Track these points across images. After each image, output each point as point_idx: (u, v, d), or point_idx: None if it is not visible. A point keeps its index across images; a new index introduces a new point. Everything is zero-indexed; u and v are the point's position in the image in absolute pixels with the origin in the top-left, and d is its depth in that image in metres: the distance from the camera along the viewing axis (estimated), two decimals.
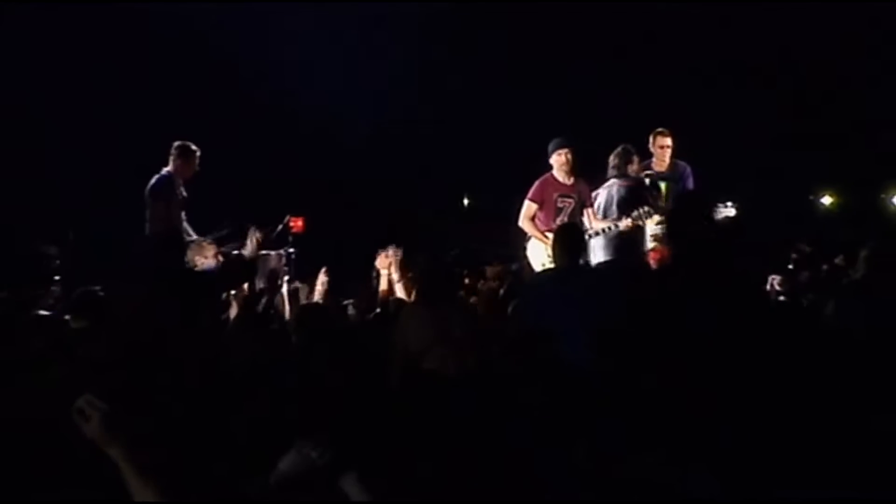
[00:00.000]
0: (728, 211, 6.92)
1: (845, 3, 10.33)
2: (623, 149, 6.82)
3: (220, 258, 6.28)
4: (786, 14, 10.52)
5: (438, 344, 3.72)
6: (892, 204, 12.75)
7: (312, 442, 2.26)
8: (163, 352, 3.46)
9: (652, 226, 6.67)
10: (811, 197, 13.21)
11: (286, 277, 7.02)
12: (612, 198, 6.70)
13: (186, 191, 6.83)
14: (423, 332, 3.88)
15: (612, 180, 6.74)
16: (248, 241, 5.83)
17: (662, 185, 7.15)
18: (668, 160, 7.14)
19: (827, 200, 13.15)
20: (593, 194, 6.76)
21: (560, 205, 6.65)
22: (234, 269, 5.64)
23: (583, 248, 4.94)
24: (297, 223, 8.09)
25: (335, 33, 10.82)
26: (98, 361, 3.33)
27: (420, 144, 11.76)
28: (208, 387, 3.19)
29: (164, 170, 6.70)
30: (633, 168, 6.79)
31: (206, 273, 5.89)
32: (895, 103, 10.78)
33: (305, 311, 4.90)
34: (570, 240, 4.70)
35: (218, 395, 3.09)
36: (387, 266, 5.64)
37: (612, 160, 6.82)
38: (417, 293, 4.88)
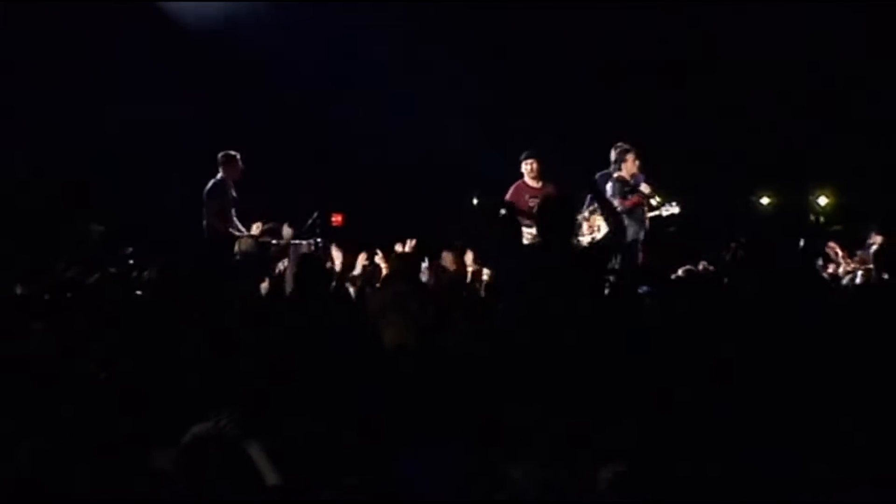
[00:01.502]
0: (673, 209, 7.56)
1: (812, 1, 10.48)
2: (620, 148, 7.28)
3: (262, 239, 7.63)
4: (724, 13, 10.67)
5: (393, 316, 3.96)
6: (818, 204, 13.32)
7: (226, 413, 2.50)
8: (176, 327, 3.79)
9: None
10: (752, 197, 13.67)
11: None
12: (605, 190, 7.10)
13: (237, 192, 7.79)
14: (379, 306, 4.15)
15: (613, 174, 7.23)
16: (284, 232, 7.63)
17: None
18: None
19: (765, 201, 13.60)
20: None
21: (532, 204, 7.24)
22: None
23: (519, 232, 5.48)
24: (337, 218, 9.19)
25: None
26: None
27: (447, 151, 12.01)
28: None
29: (218, 176, 7.70)
30: (626, 166, 7.25)
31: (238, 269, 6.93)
32: (833, 109, 11.21)
33: (305, 258, 5.37)
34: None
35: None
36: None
37: (612, 155, 7.26)
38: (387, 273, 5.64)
